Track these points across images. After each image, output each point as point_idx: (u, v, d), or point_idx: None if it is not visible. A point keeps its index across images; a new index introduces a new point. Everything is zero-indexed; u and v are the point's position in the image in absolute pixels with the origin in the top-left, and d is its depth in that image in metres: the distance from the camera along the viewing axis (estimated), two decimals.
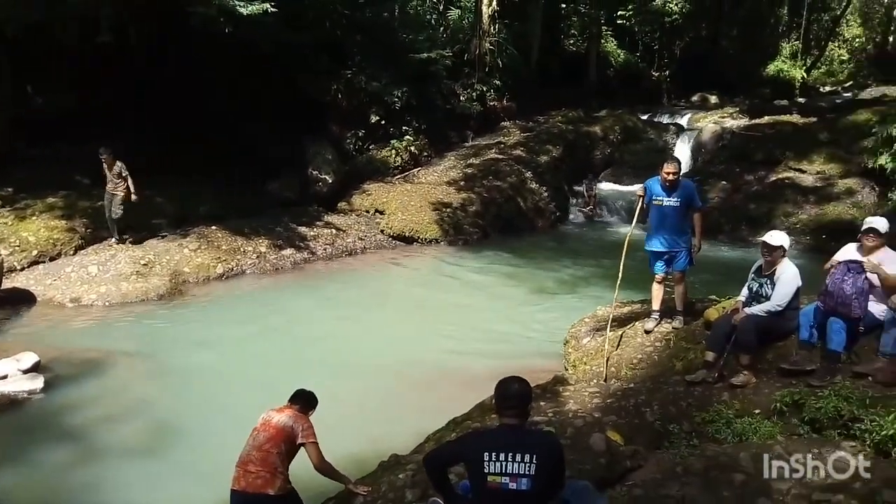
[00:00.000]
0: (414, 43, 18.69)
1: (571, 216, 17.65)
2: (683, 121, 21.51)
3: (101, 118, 13.39)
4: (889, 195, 13.61)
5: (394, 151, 17.24)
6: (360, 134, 17.20)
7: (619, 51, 27.68)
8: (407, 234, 14.41)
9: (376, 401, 7.40)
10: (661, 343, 6.86)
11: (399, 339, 9.35)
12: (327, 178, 15.69)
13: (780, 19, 32.37)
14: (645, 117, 21.90)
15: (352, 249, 13.74)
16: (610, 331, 7.35)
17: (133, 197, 11.46)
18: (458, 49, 19.91)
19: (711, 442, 4.91)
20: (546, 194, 17.08)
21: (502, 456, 3.22)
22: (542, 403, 5.80)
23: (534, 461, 3.20)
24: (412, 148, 17.55)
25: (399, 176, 17.07)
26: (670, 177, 6.63)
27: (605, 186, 18.33)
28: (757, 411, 5.12)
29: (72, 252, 11.51)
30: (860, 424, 4.46)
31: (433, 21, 21.61)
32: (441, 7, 22.37)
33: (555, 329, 8.80)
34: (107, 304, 10.28)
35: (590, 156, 19.22)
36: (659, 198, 6.77)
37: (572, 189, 18.27)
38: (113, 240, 11.75)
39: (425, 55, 18.00)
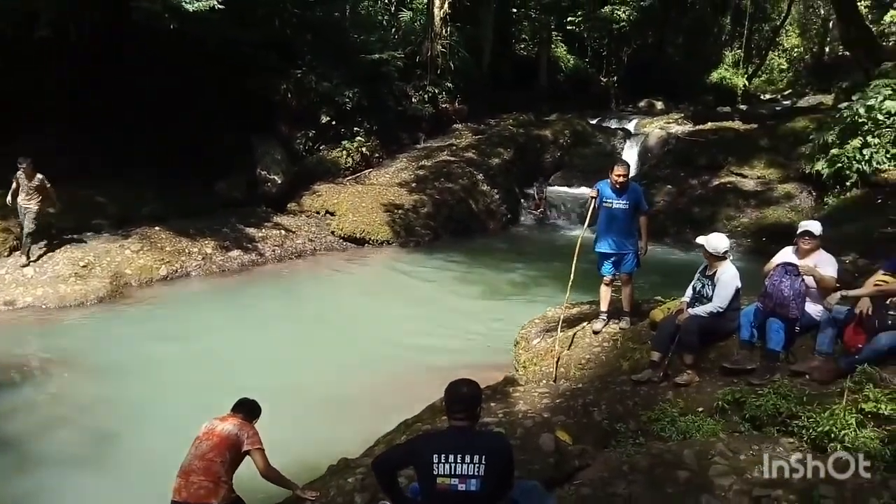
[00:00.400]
0: (365, 43, 18.58)
1: (522, 218, 17.82)
2: (631, 126, 21.96)
3: (40, 115, 12.85)
4: (825, 199, 14.12)
5: (345, 152, 17.09)
6: (311, 134, 16.98)
7: (569, 56, 28.09)
8: (358, 236, 14.29)
9: (326, 404, 7.29)
10: (609, 343, 6.96)
11: (349, 342, 9.25)
12: (276, 178, 15.43)
13: (724, 28, 33.43)
14: (594, 122, 22.26)
15: (301, 251, 13.55)
16: (560, 332, 7.43)
17: (51, 209, 10.86)
18: (410, 51, 19.89)
19: (657, 440, 4.99)
20: (497, 196, 17.20)
21: (451, 458, 3.23)
22: (492, 404, 5.82)
23: (483, 462, 3.22)
24: (363, 149, 17.43)
25: (350, 177, 16.93)
26: (620, 179, 6.74)
27: (555, 189, 18.56)
28: (700, 409, 5.24)
29: (6, 253, 11.03)
30: (798, 421, 4.61)
31: (385, 22, 21.53)
32: (393, 8, 22.30)
33: (505, 330, 8.84)
34: (44, 307, 9.89)
35: (540, 159, 19.45)
36: (609, 200, 6.87)
37: (523, 191, 18.45)
38: (22, 258, 10.66)
39: (377, 56, 17.91)
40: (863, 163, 13.20)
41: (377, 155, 18.04)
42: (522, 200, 18.24)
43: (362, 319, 10.31)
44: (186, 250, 12.14)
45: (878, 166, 13.05)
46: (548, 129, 20.19)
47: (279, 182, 15.47)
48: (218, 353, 8.69)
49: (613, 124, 22.48)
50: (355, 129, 17.46)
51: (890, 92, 13.21)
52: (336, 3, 18.44)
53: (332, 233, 14.42)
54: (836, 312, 5.23)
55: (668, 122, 21.09)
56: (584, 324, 7.52)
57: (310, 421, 6.85)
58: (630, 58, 29.64)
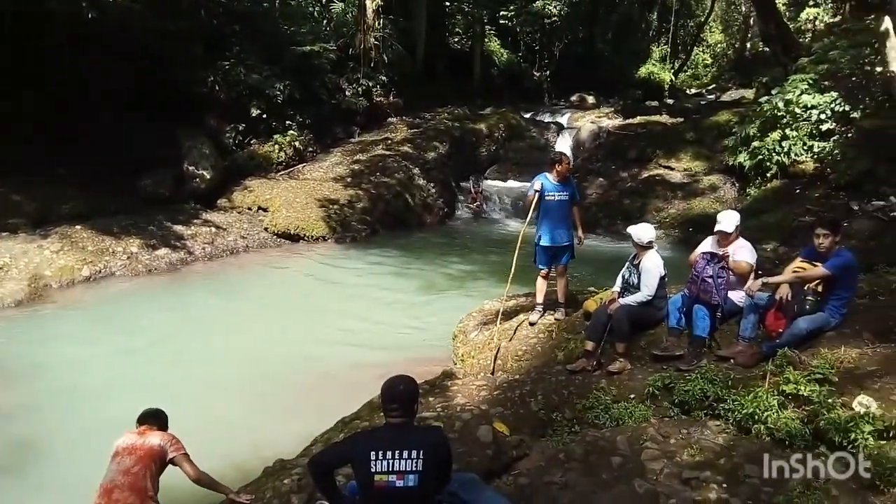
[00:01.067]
0: (296, 35, 18.20)
1: (459, 212, 17.88)
2: (563, 120, 22.37)
3: None
4: (747, 190, 14.72)
5: (277, 146, 16.73)
6: (241, 128, 16.52)
7: (502, 50, 28.33)
8: (292, 232, 14.02)
9: (261, 405, 7.13)
10: (545, 335, 7.06)
11: (285, 340, 9.06)
12: (205, 173, 14.95)
13: (651, 25, 34.39)
14: (528, 116, 22.58)
15: (233, 248, 13.20)
16: (496, 324, 7.49)
17: None
18: (343, 43, 19.61)
19: (592, 427, 5.11)
20: (434, 190, 17.21)
21: (389, 454, 3.25)
22: (430, 399, 5.83)
23: (421, 457, 3.24)
24: (296, 143, 17.11)
25: (283, 172, 16.60)
26: (565, 171, 6.87)
27: (491, 183, 18.73)
28: (632, 396, 5.39)
29: None
30: (724, 404, 4.80)
31: (316, 13, 21.14)
32: (324, 0, 21.94)
33: (444, 324, 8.85)
34: None
35: (476, 153, 19.58)
36: (551, 193, 6.96)
37: (459, 185, 18.52)
38: None
39: (308, 48, 17.58)
40: (782, 155, 13.82)
41: (311, 149, 17.75)
42: (459, 194, 18.32)
43: (297, 317, 10.11)
44: (110, 250, 11.64)
45: (796, 158, 13.69)
46: (483, 123, 20.34)
47: (208, 177, 15.00)
48: (144, 355, 8.36)
49: (547, 118, 22.85)
50: (287, 122, 17.11)
51: (806, 87, 13.88)
52: None
53: (266, 229, 14.11)
54: (757, 299, 5.45)
55: (600, 117, 21.60)
56: (521, 316, 7.60)
57: (244, 422, 6.68)
58: (562, 52, 30.14)
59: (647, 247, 6.08)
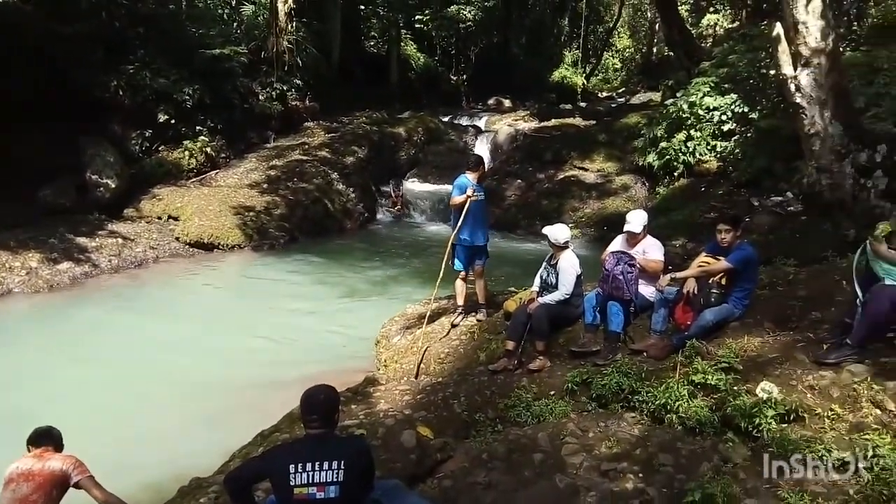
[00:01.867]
0: (205, 38, 17.63)
1: (380, 216, 17.80)
2: (481, 123, 22.63)
3: None
4: (657, 189, 15.32)
5: (187, 153, 16.11)
6: (147, 134, 15.82)
7: (419, 54, 28.40)
8: (206, 241, 13.54)
9: (176, 422, 6.83)
10: (467, 336, 7.10)
11: (200, 354, 8.72)
12: (109, 182, 14.24)
13: (563, 30, 35.30)
14: (446, 119, 22.72)
15: (142, 260, 12.63)
16: (418, 328, 7.47)
17: None
18: (255, 46, 19.14)
19: (514, 426, 5.15)
20: (354, 195, 17.05)
21: (308, 466, 3.19)
22: (353, 406, 5.74)
23: (342, 467, 3.20)
24: (208, 149, 16.53)
25: (195, 179, 16.02)
26: (480, 172, 7.00)
27: (412, 186, 18.73)
28: (552, 393, 5.48)
29: None
30: (638, 396, 4.94)
31: (225, 16, 20.58)
32: (234, 2, 21.34)
33: (366, 330, 8.76)
34: None
35: (395, 156, 19.53)
36: (478, 194, 7.04)
37: (380, 189, 18.43)
38: None
39: (218, 51, 17.06)
40: (688, 154, 14.47)
41: (224, 155, 17.22)
42: (379, 198, 18.22)
43: (213, 329, 9.76)
44: (7, 265, 10.93)
45: (701, 157, 14.36)
46: (401, 127, 20.31)
47: (113, 186, 14.29)
48: (44, 375, 7.86)
49: (465, 121, 23.06)
50: (198, 128, 16.51)
51: (708, 89, 14.57)
52: None
53: (177, 239, 13.57)
54: (666, 293, 5.67)
55: (516, 120, 21.98)
56: (443, 319, 7.61)
57: (158, 441, 6.38)
58: (478, 57, 30.51)
59: (564, 247, 6.22)
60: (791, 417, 4.22)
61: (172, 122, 16.01)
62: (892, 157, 7.66)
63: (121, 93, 15.12)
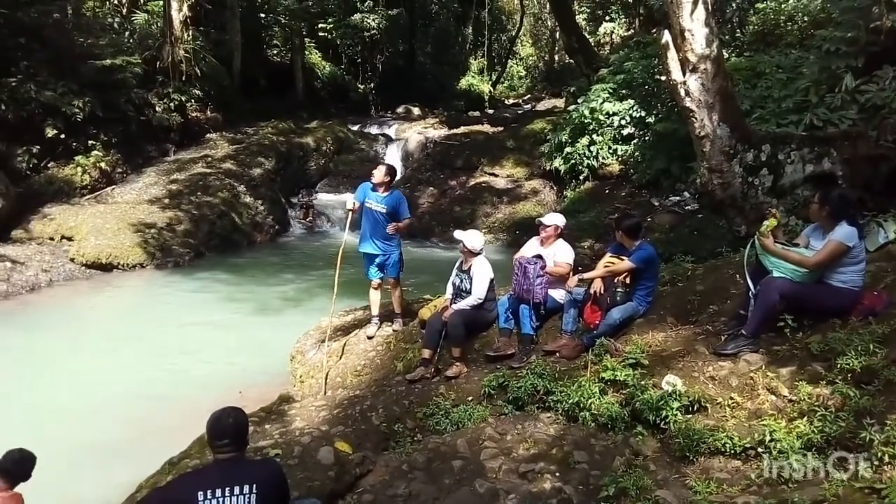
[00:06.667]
0: (94, 48, 16.70)
1: (291, 228, 17.41)
2: (391, 131, 22.61)
3: None
4: (565, 193, 15.80)
5: (80, 169, 15.19)
6: (35, 150, 14.79)
7: (324, 63, 28.04)
8: (104, 261, 12.80)
9: (77, 455, 6.39)
10: (383, 346, 7.04)
11: (102, 381, 8.21)
12: None
13: (467, 38, 35.83)
14: (355, 128, 22.56)
15: (34, 284, 11.80)
16: (334, 340, 7.35)
17: None
18: (150, 56, 18.26)
19: (433, 434, 5.15)
20: (263, 208, 16.62)
21: (219, 492, 3.05)
22: (267, 426, 5.57)
23: (254, 491, 3.09)
24: (102, 164, 15.65)
25: (89, 196, 15.13)
26: (375, 179, 6.93)
27: (323, 197, 18.47)
28: (470, 398, 5.52)
29: None
30: (553, 396, 5.05)
31: (116, 25, 19.58)
32: (124, 10, 20.37)
33: (280, 346, 8.50)
34: None
35: (305, 167, 19.21)
36: (370, 201, 6.97)
37: (290, 201, 18.05)
38: None
39: (109, 62, 16.20)
40: (591, 158, 15.01)
41: (120, 170, 16.36)
42: (290, 210, 17.84)
43: (115, 354, 9.22)
44: None
45: (604, 161, 14.92)
46: (310, 137, 20.00)
47: None
48: None
49: (374, 130, 22.96)
50: (90, 142, 15.60)
51: (607, 95, 15.17)
52: (54, 3, 16.28)
53: (72, 260, 12.76)
54: (575, 294, 5.83)
55: (426, 127, 22.09)
56: (358, 330, 7.52)
57: (57, 477, 5.91)
58: (385, 65, 30.44)
59: (478, 253, 6.28)
60: (695, 408, 4.42)
61: (62, 136, 15.06)
62: (776, 156, 8.19)
63: (3, 107, 14.10)
